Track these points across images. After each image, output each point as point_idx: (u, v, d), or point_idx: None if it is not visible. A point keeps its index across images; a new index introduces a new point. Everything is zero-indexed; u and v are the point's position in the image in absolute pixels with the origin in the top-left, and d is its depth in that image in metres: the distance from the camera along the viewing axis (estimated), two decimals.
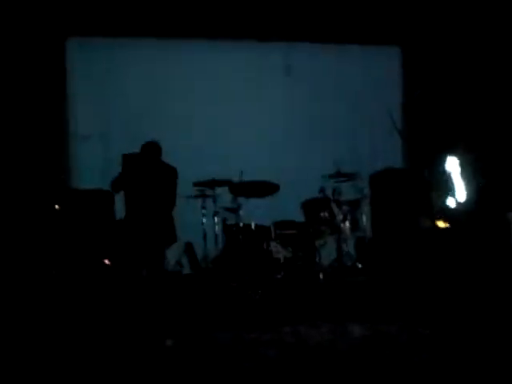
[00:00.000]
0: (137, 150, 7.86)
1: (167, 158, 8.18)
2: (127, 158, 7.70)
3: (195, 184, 8.07)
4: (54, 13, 8.38)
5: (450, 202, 7.17)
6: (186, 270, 7.78)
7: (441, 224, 7.18)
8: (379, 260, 7.49)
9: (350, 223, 8.18)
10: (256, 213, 8.02)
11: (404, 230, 7.16)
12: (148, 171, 7.79)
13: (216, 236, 8.08)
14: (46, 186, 7.90)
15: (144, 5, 8.67)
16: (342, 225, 8.12)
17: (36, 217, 7.52)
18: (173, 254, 7.54)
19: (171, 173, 7.95)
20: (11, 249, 7.08)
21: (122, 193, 7.82)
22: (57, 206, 7.25)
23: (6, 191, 7.55)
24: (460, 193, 7.19)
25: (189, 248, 7.87)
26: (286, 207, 8.30)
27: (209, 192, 8.09)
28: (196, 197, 8.11)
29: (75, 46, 8.80)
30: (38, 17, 8.31)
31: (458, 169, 7.29)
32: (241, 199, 8.01)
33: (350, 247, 8.29)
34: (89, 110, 8.94)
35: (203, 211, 8.10)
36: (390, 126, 8.17)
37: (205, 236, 8.01)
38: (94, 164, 8.98)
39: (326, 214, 8.16)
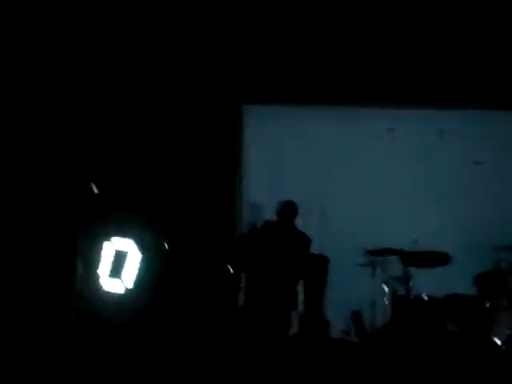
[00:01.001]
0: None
1: (338, 224, 8.27)
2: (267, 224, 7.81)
3: (368, 252, 8.02)
4: (231, 78, 8.68)
5: None
6: (353, 339, 7.72)
7: None
8: None
9: None
10: (426, 284, 7.84)
11: None
12: (282, 235, 7.75)
13: (385, 306, 7.96)
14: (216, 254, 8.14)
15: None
16: None
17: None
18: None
19: (304, 241, 7.81)
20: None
21: None
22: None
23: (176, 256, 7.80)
24: None
25: (356, 316, 7.81)
26: (457, 279, 8.02)
27: (379, 260, 8.01)
28: (366, 265, 8.05)
29: (251, 113, 9.01)
30: (215, 82, 8.65)
31: None
32: (411, 269, 7.86)
33: None
34: (261, 179, 9.14)
35: (373, 280, 8.02)
36: None
37: (373, 305, 7.90)
38: None
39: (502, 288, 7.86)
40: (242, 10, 8.26)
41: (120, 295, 6.96)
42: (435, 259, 7.88)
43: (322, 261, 8.00)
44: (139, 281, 6.98)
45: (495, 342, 7.55)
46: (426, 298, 7.68)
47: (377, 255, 8.01)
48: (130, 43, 8.39)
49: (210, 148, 8.60)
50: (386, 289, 7.92)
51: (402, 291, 7.83)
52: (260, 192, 8.92)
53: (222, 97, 8.66)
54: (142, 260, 7.02)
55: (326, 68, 8.70)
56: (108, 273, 7.01)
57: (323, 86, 8.73)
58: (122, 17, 8.30)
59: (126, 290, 6.97)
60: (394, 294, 7.92)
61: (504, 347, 7.53)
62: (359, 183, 8.87)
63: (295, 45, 8.59)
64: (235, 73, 8.67)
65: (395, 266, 7.94)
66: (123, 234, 7.14)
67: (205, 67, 8.59)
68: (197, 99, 8.61)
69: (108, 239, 7.06)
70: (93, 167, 8.07)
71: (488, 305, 7.69)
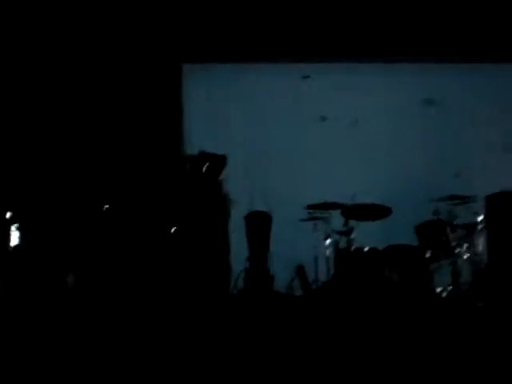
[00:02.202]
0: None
1: (280, 182, 8.28)
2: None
3: (308, 207, 8.09)
4: (169, 38, 8.61)
5: None
6: (298, 292, 7.81)
7: None
8: (497, 286, 7.24)
9: (466, 248, 8.00)
10: (368, 236, 7.96)
11: None
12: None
13: (327, 259, 8.07)
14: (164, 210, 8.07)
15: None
16: (457, 249, 7.95)
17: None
18: None
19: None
20: None
21: None
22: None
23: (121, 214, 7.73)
24: None
25: (300, 270, 7.89)
26: (399, 230, 8.15)
27: (321, 215, 8.08)
28: (308, 220, 8.12)
29: (191, 71, 8.94)
30: (155, 42, 8.56)
31: None
32: (353, 222, 7.96)
33: (465, 272, 8.11)
34: (204, 135, 9.10)
35: (315, 234, 8.10)
36: None
37: (316, 259, 7.99)
38: None
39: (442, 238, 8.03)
40: None
41: None
42: (375, 212, 8.00)
43: (265, 217, 8.04)
44: None
45: (436, 291, 7.75)
46: (366, 250, 7.81)
47: (318, 209, 8.09)
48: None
49: (151, 107, 8.52)
50: (328, 242, 8.04)
51: (343, 244, 7.95)
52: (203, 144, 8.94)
53: (161, 56, 8.59)
54: None
55: (263, 24, 8.68)
56: None
57: (261, 43, 8.73)
58: None
59: None
60: (336, 247, 8.05)
61: (444, 295, 7.73)
62: (298, 139, 8.92)
63: (227, 6, 8.56)
64: (174, 32, 8.58)
65: (336, 219, 8.03)
66: None
67: (144, 27, 8.49)
68: (137, 59, 8.52)
69: None
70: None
71: (428, 255, 7.87)
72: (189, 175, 7.73)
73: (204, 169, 7.57)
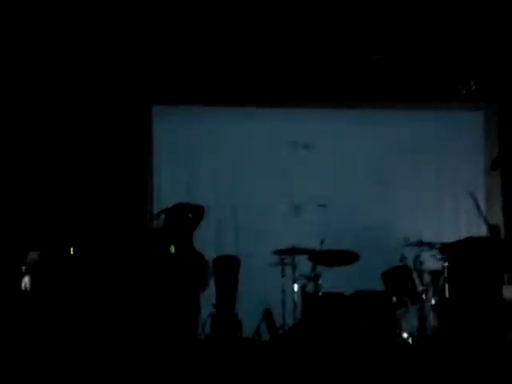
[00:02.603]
0: None
1: (250, 225, 8.40)
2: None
3: (275, 252, 8.13)
4: (140, 80, 8.71)
5: None
6: (265, 337, 7.81)
7: None
8: (461, 330, 7.29)
9: (433, 293, 8.06)
10: (336, 281, 8.01)
11: (486, 300, 6.97)
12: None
13: (295, 304, 8.09)
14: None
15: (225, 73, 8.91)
16: (423, 295, 8.01)
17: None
18: None
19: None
20: None
21: None
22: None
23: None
24: None
25: (268, 315, 7.90)
26: (366, 276, 8.20)
27: (288, 260, 8.13)
28: (276, 265, 8.15)
29: (161, 113, 9.04)
30: (124, 83, 8.66)
31: None
32: (321, 268, 8.01)
33: (432, 317, 8.16)
34: (173, 180, 9.16)
35: (283, 279, 8.13)
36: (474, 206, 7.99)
37: (283, 303, 8.01)
38: None
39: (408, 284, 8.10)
40: (150, 11, 8.23)
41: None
42: (343, 257, 8.04)
43: (233, 262, 8.07)
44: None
45: (402, 337, 7.79)
46: (334, 295, 7.85)
47: (286, 255, 8.14)
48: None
49: (120, 149, 8.59)
50: (296, 287, 8.08)
51: (311, 289, 7.99)
52: (171, 193, 8.89)
53: (131, 98, 8.67)
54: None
55: (236, 69, 8.83)
56: None
57: (232, 87, 8.87)
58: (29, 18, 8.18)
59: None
60: (303, 291, 8.08)
61: (411, 341, 7.77)
62: (268, 184, 9.00)
63: (200, 47, 8.64)
64: (144, 74, 8.69)
65: (304, 264, 8.07)
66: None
67: (114, 69, 8.58)
68: (106, 100, 8.60)
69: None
70: None
71: (395, 300, 7.92)
72: (160, 228, 7.66)
73: (181, 221, 7.52)
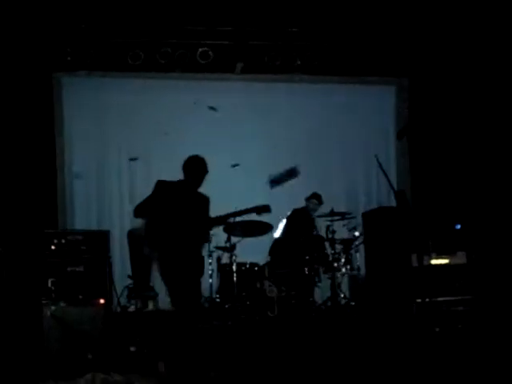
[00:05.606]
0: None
1: None
2: (162, 185, 6.54)
3: None
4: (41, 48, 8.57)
5: None
6: None
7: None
8: (373, 298, 7.50)
9: (344, 262, 8.25)
10: (251, 251, 8.10)
11: (397, 267, 7.18)
12: (182, 199, 6.46)
13: (211, 275, 8.15)
14: (38, 226, 7.92)
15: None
16: (335, 263, 8.19)
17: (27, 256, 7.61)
18: None
19: (204, 202, 6.54)
20: None
21: None
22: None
23: None
24: None
25: None
26: None
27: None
28: None
29: (64, 81, 8.98)
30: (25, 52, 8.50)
31: None
32: (235, 238, 8.06)
33: (344, 286, 8.36)
34: (83, 147, 9.08)
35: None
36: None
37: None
38: (88, 203, 9.11)
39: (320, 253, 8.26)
40: None
41: None
42: (257, 228, 8.09)
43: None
44: None
45: (315, 303, 7.97)
46: (247, 265, 7.94)
47: None
48: None
49: (23, 118, 8.48)
50: (212, 259, 8.13)
51: (227, 260, 8.05)
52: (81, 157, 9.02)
53: (32, 66, 8.54)
54: None
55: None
56: None
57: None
58: None
59: None
60: (218, 263, 8.15)
61: (323, 307, 7.97)
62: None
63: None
64: (45, 43, 8.56)
65: (219, 236, 8.09)
66: None
67: (15, 38, 8.39)
68: (8, 68, 8.44)
69: None
70: None
71: (307, 269, 8.08)
72: None
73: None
